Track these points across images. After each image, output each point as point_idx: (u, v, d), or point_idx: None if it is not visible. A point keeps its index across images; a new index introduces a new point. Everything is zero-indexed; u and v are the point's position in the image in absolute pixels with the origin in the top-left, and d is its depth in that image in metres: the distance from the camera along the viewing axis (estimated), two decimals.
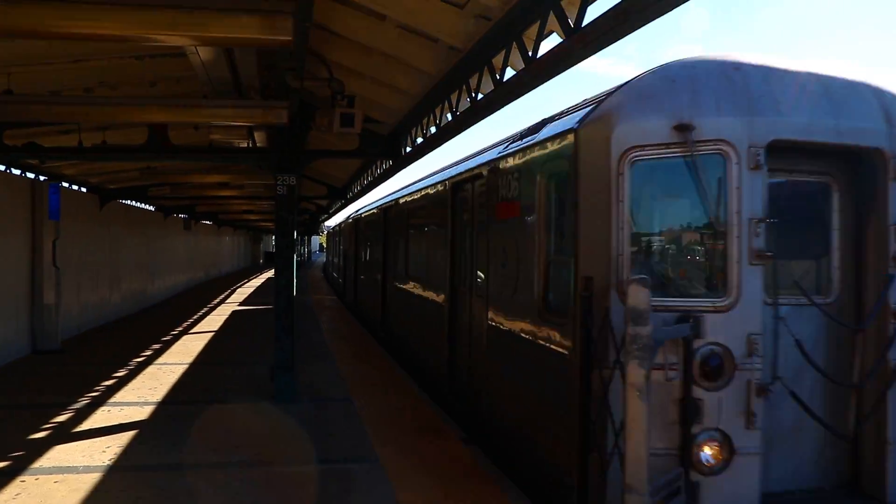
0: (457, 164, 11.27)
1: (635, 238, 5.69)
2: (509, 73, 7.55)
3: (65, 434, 8.84)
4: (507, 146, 8.17)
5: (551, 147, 6.59)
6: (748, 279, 5.45)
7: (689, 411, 5.37)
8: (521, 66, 7.07)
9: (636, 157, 5.56)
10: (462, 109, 9.34)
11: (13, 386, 11.65)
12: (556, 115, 7.30)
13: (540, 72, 6.72)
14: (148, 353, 15.12)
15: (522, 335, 7.14)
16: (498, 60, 7.66)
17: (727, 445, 5.42)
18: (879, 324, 5.73)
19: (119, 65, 9.64)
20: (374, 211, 19.47)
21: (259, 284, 40.50)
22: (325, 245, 69.20)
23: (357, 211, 25.64)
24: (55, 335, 15.06)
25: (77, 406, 10.22)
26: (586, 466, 5.62)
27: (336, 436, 8.81)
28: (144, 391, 11.28)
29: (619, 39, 5.51)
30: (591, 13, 5.63)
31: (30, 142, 11.49)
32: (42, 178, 15.34)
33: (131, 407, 10.21)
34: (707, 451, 5.41)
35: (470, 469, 7.58)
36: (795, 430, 5.73)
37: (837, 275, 5.94)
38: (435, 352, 11.15)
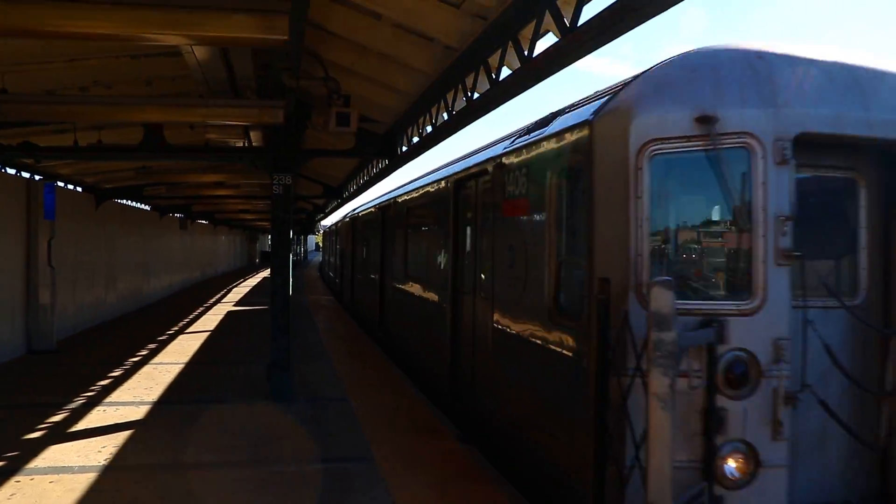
0: (458, 160, 10.96)
1: (655, 237, 5.38)
2: (505, 72, 7.55)
3: (60, 434, 8.82)
4: (513, 141, 7.85)
5: (563, 141, 6.25)
6: (774, 280, 5.16)
7: (713, 421, 5.07)
8: (517, 65, 7.08)
9: (656, 150, 5.26)
10: (458, 109, 9.34)
11: (8, 386, 11.62)
12: (567, 107, 6.94)
13: (535, 71, 6.73)
14: (144, 352, 15.10)
15: (531, 339, 6.81)
16: (494, 60, 7.66)
17: (752, 458, 5.13)
18: None
19: (114, 64, 9.62)
20: (372, 210, 19.17)
21: (255, 284, 40.46)
22: (321, 244, 69.11)
23: (354, 210, 25.47)
24: (50, 335, 15.02)
25: (72, 406, 10.20)
26: (603, 480, 5.24)
27: (332, 435, 8.81)
28: (140, 391, 11.26)
29: (614, 39, 5.52)
30: (587, 13, 5.63)
31: (25, 141, 11.46)
32: (37, 177, 15.29)
33: (127, 407, 10.20)
34: (731, 464, 5.13)
35: (466, 469, 7.58)
36: (820, 440, 5.45)
37: (865, 275, 5.65)
38: (436, 354, 10.82)
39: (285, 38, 6.40)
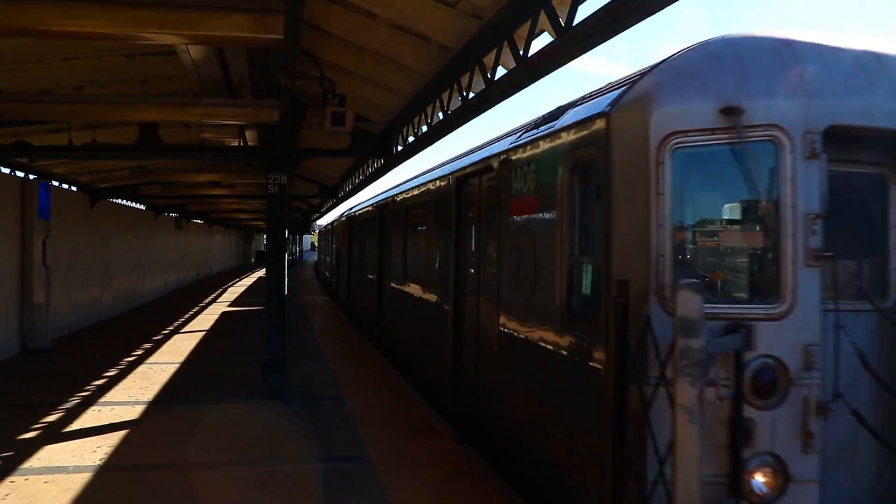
0: (460, 157, 10.62)
1: (677, 236, 5.06)
2: (500, 71, 7.56)
3: (55, 434, 8.80)
4: (519, 136, 7.51)
5: (577, 134, 5.89)
6: (804, 283, 4.84)
7: (740, 433, 4.75)
8: (513, 65, 7.08)
9: (678, 143, 4.93)
10: (453, 108, 9.34)
11: (2, 385, 11.59)
12: (578, 100, 6.59)
13: (531, 71, 6.73)
14: (139, 352, 15.07)
15: (541, 343, 6.49)
16: (489, 59, 7.67)
17: (782, 472, 4.83)
18: None
19: (109, 63, 9.59)
20: (370, 208, 18.85)
21: (250, 283, 40.43)
22: (316, 244, 69.05)
23: (351, 209, 25.25)
24: (45, 334, 14.99)
25: (67, 406, 10.18)
26: (623, 497, 4.91)
27: (328, 435, 8.80)
28: (135, 391, 11.25)
29: (609, 38, 5.53)
30: (582, 12, 5.64)
31: (19, 140, 11.44)
32: (32, 176, 15.26)
33: (122, 406, 10.18)
34: (759, 479, 4.82)
35: (463, 469, 7.59)
36: (850, 451, 5.11)
37: (894, 276, 5.31)
38: (437, 356, 10.52)
39: (280, 37, 6.39)
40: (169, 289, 30.75)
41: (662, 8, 4.90)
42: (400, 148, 12.74)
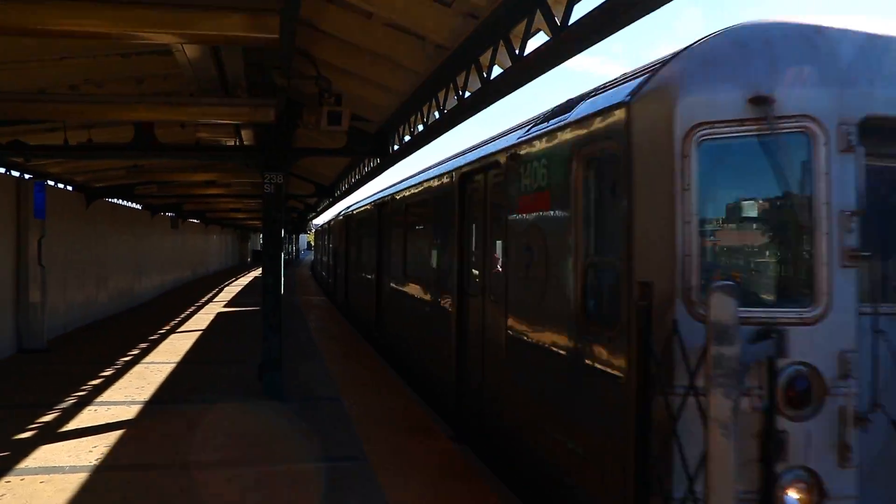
0: (462, 154, 10.26)
1: (705, 234, 4.75)
2: (496, 71, 7.56)
3: (51, 434, 8.79)
4: (528, 130, 7.18)
5: (593, 126, 5.57)
6: (839, 284, 4.55)
7: (772, 446, 4.43)
8: (508, 64, 7.09)
9: (704, 135, 4.65)
10: (449, 108, 9.35)
11: None
12: (591, 91, 6.27)
13: (527, 70, 6.74)
14: (135, 352, 15.06)
15: (554, 349, 6.16)
16: (485, 59, 7.67)
17: (817, 487, 4.51)
18: None
19: (105, 62, 9.58)
20: (368, 207, 18.46)
21: (247, 283, 40.39)
22: (312, 243, 69.02)
23: (348, 207, 25.04)
24: (41, 334, 14.97)
25: (63, 405, 10.17)
26: None
27: (325, 435, 8.80)
28: (131, 390, 11.23)
29: (605, 38, 5.53)
30: (578, 11, 5.64)
31: (14, 140, 11.41)
32: (27, 176, 15.23)
33: (118, 406, 10.17)
34: (793, 495, 4.51)
35: (460, 469, 7.59)
36: (889, 465, 4.76)
37: None
38: (439, 360, 10.18)
39: (276, 36, 6.40)
40: (165, 288, 30.71)
41: (657, 7, 4.91)
42: (396, 147, 12.74)
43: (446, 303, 9.86)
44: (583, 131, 5.75)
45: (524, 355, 6.91)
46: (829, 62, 4.71)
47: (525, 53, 6.67)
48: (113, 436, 8.69)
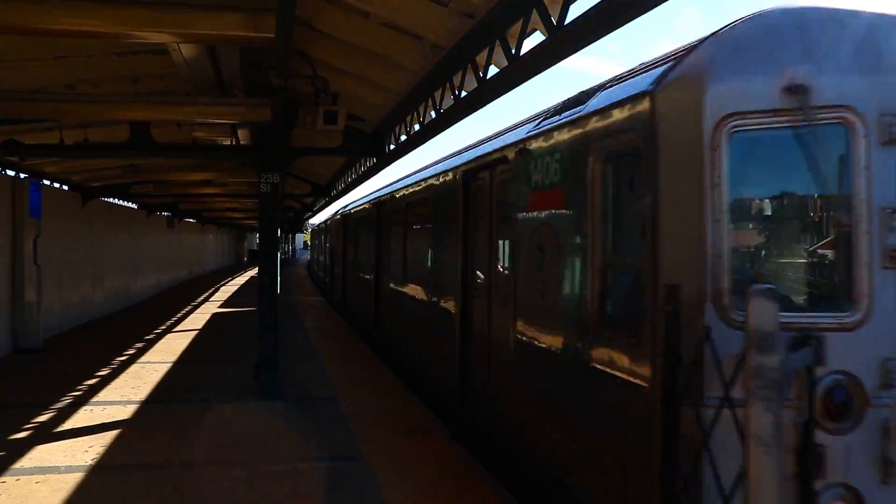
0: (466, 150, 9.86)
1: (737, 232, 4.45)
2: (493, 70, 7.57)
3: (46, 434, 8.77)
4: (538, 124, 6.79)
5: (613, 118, 5.21)
6: (881, 287, 4.24)
7: (809, 462, 4.08)
8: (505, 63, 7.10)
9: (735, 126, 4.34)
10: (446, 107, 9.35)
11: None
12: (607, 82, 5.90)
13: (523, 70, 6.75)
14: (131, 351, 15.03)
15: (567, 354, 5.80)
16: (481, 58, 7.68)
17: None
18: None
19: (101, 62, 9.57)
20: (366, 206, 18.05)
21: (243, 283, 40.36)
22: (309, 243, 68.96)
23: (345, 206, 24.83)
24: (36, 333, 14.93)
25: (59, 405, 10.15)
26: None
27: (322, 434, 8.79)
28: (127, 390, 11.22)
29: (601, 37, 5.54)
30: (574, 11, 5.65)
31: (10, 139, 11.39)
32: (23, 175, 15.20)
33: (114, 406, 10.15)
34: None
35: (456, 467, 7.60)
36: None
37: None
38: (441, 363, 9.83)
39: (272, 36, 6.40)
40: (161, 288, 30.67)
41: (653, 7, 4.92)
42: (392, 147, 12.75)
43: (449, 304, 9.51)
44: (601, 123, 5.38)
45: (534, 360, 6.55)
46: (869, 48, 4.41)
47: (521, 53, 6.68)
48: (109, 435, 8.67)
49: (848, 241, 4.31)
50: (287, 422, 9.33)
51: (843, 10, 4.57)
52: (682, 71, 4.64)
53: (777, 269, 4.64)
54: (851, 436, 4.21)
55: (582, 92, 6.30)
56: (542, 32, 6.29)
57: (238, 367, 12.82)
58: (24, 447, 8.19)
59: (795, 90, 4.30)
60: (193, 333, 18.18)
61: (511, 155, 7.20)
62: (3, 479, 7.19)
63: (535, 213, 6.55)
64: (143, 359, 14.17)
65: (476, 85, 8.03)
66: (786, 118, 4.33)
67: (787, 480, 3.93)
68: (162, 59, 8.79)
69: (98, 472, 7.39)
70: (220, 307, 25.51)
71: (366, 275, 17.65)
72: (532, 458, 6.56)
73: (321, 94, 9.25)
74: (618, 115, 5.15)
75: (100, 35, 6.63)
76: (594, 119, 5.48)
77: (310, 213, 40.78)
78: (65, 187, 18.39)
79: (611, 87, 5.65)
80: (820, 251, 4.59)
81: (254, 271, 47.47)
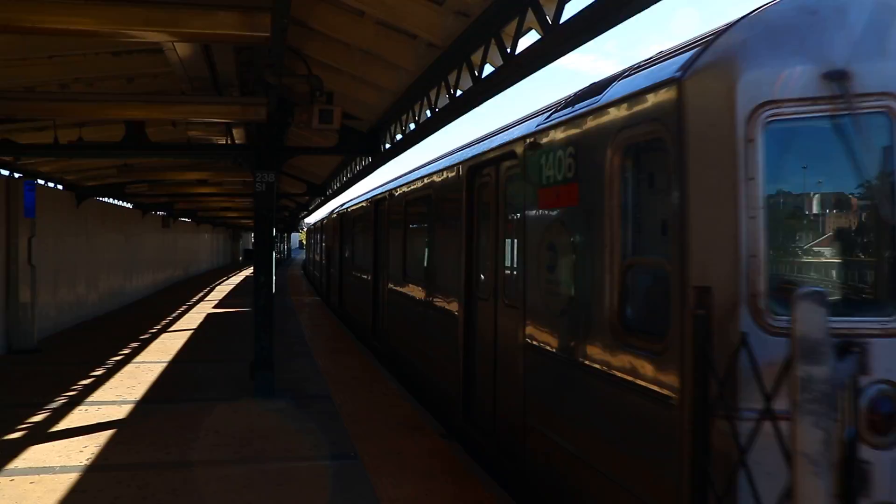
0: (470, 145, 9.46)
1: (774, 231, 4.12)
2: (488, 69, 7.57)
3: (41, 434, 8.75)
4: (549, 116, 6.46)
5: (634, 108, 4.88)
6: None
7: (854, 479, 3.67)
8: (500, 62, 7.09)
9: (771, 116, 4.04)
10: (441, 106, 9.35)
11: None
12: (625, 71, 5.56)
13: (518, 68, 6.74)
14: (126, 351, 15.00)
15: (583, 361, 5.43)
16: (476, 57, 7.68)
17: None
18: None
19: (95, 61, 9.55)
20: (364, 204, 17.60)
21: (238, 282, 40.29)
22: (304, 242, 68.92)
23: (342, 205, 24.51)
24: (31, 334, 14.89)
25: (53, 405, 10.12)
26: None
27: (316, 433, 8.78)
28: (122, 390, 11.19)
29: (596, 36, 5.53)
30: (569, 10, 5.65)
31: (4, 138, 11.36)
32: (17, 175, 15.16)
33: (109, 406, 10.13)
34: None
35: (450, 465, 7.59)
36: None
37: None
38: (444, 368, 9.48)
39: (267, 35, 6.38)
40: (156, 288, 30.62)
41: (648, 6, 4.92)
42: (388, 146, 12.74)
43: (452, 306, 9.12)
44: (620, 114, 5.05)
45: (545, 366, 6.21)
46: None
47: (517, 52, 6.68)
48: (104, 435, 8.65)
49: (893, 238, 4.04)
50: (282, 421, 9.32)
51: None
52: (712, 56, 4.31)
53: (816, 269, 4.38)
54: None
55: (594, 83, 5.98)
56: (537, 31, 6.29)
57: (233, 367, 12.80)
58: (18, 448, 8.16)
59: (835, 76, 4.03)
60: (189, 333, 18.14)
61: (520, 149, 6.88)
62: None
63: (546, 211, 6.24)
64: (138, 358, 14.14)
65: (471, 84, 8.03)
66: (825, 107, 4.04)
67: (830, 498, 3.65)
68: (157, 58, 8.79)
69: (93, 473, 7.37)
70: (215, 307, 25.46)
71: (364, 275, 17.28)
72: (543, 472, 6.24)
73: (316, 93, 9.23)
74: (640, 105, 4.81)
75: (93, 34, 6.62)
76: (613, 110, 5.16)
77: (305, 213, 40.75)
78: (59, 187, 18.36)
79: (629, 76, 5.32)
80: (862, 250, 4.32)
81: (249, 271, 47.42)
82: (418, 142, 11.12)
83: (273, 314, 11.07)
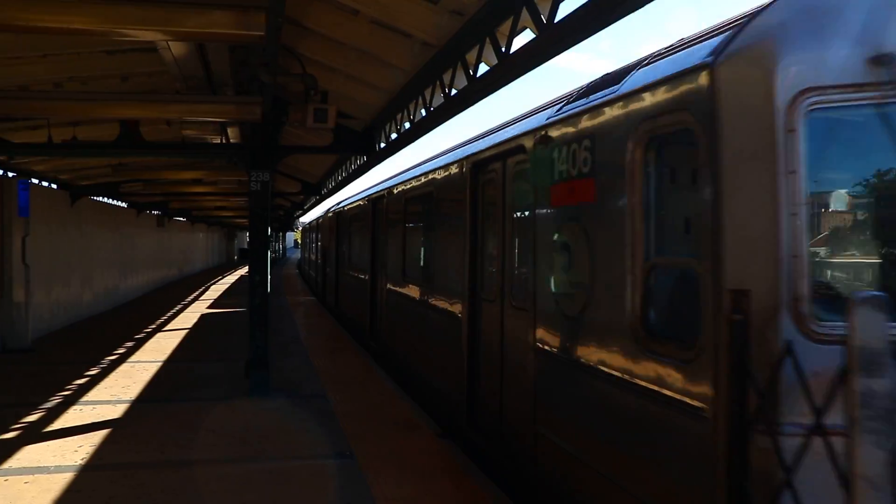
0: (473, 140, 9.09)
1: (816, 229, 3.85)
2: (483, 68, 7.57)
3: (35, 434, 8.73)
4: (560, 108, 6.13)
5: (659, 97, 4.55)
6: None
7: None
8: (495, 61, 7.10)
9: (814, 103, 3.73)
10: (436, 105, 9.35)
11: None
12: (644, 59, 5.22)
13: (513, 67, 6.75)
14: (121, 350, 14.97)
15: (601, 368, 5.08)
16: (471, 56, 7.68)
17: None
18: None
19: (89, 59, 9.53)
20: (361, 202, 17.23)
21: (233, 281, 40.24)
22: (299, 241, 68.83)
23: (339, 203, 24.18)
24: (25, 334, 14.85)
25: (48, 405, 10.10)
26: None
27: (312, 432, 8.78)
28: (117, 389, 11.17)
29: (591, 35, 5.55)
30: (564, 9, 5.65)
31: None
32: (11, 174, 15.12)
33: (104, 405, 10.11)
34: None
35: (445, 464, 7.60)
36: None
37: None
38: (446, 372, 9.15)
39: (262, 34, 6.38)
40: (151, 287, 30.56)
41: (643, 5, 4.92)
42: (383, 145, 12.73)
43: (455, 308, 8.79)
44: (643, 104, 4.72)
45: (558, 372, 5.88)
46: None
47: (511, 51, 6.68)
48: (99, 435, 8.64)
49: None
50: (277, 420, 9.32)
51: None
52: (747, 39, 3.98)
53: (864, 270, 4.07)
54: None
55: (608, 74, 5.73)
56: (532, 30, 6.29)
57: (228, 366, 12.79)
58: (12, 447, 8.14)
59: (883, 61, 3.73)
60: (184, 332, 18.11)
61: (529, 143, 6.55)
62: None
63: (559, 208, 5.90)
64: (133, 358, 14.11)
65: (466, 83, 8.03)
66: (872, 94, 3.74)
67: None
68: (151, 57, 8.76)
69: (87, 473, 7.36)
70: (210, 307, 25.43)
71: (361, 275, 16.96)
72: (553, 481, 5.93)
73: (311, 92, 9.23)
74: (666, 93, 4.47)
75: (87, 33, 6.59)
76: (634, 99, 4.83)
77: (300, 212, 40.72)
78: (53, 186, 18.30)
79: (649, 64, 5.00)
80: None
81: (244, 270, 47.37)
82: (414, 140, 11.13)
83: (268, 313, 11.06)
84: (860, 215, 4.05)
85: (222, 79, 9.23)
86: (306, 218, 46.48)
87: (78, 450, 8.07)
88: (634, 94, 4.83)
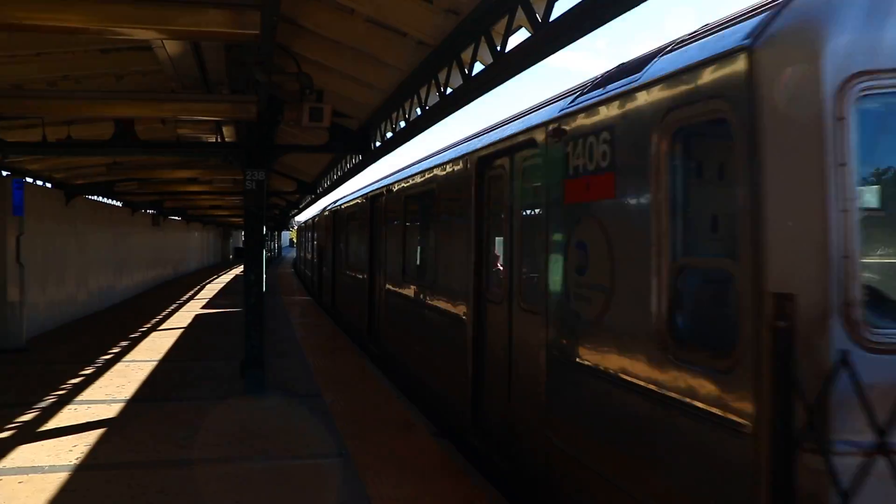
0: (478, 135, 8.69)
1: (870, 227, 3.49)
2: (478, 67, 7.57)
3: (29, 433, 8.70)
4: (574, 99, 5.79)
5: (690, 84, 4.17)
6: None
7: None
8: (490, 60, 7.10)
9: (866, 89, 3.40)
10: (431, 104, 9.34)
11: None
12: (667, 46, 4.86)
13: (508, 66, 6.74)
14: (116, 350, 14.94)
15: (623, 377, 4.73)
16: (466, 55, 7.68)
17: None
18: None
19: (84, 58, 9.50)
20: (359, 200, 16.85)
21: (228, 280, 40.18)
22: (295, 240, 68.75)
23: (336, 202, 23.98)
24: (20, 333, 14.80)
25: (42, 405, 10.07)
26: None
27: (307, 432, 8.78)
28: (112, 388, 11.15)
29: (586, 34, 5.53)
30: (559, 8, 5.66)
31: None
32: (5, 173, 15.06)
33: (99, 405, 10.09)
34: None
35: (442, 463, 7.60)
36: None
37: None
38: (449, 376, 8.85)
39: (257, 32, 6.36)
40: (146, 286, 30.50)
41: (638, 4, 4.91)
42: (378, 143, 12.72)
43: (459, 309, 8.49)
44: (670, 92, 4.36)
45: (572, 380, 5.56)
46: None
47: (507, 50, 6.68)
48: (93, 435, 8.62)
49: None
50: (273, 419, 9.31)
51: None
52: (790, 19, 3.63)
53: None
54: None
55: (625, 63, 5.42)
56: (527, 29, 6.29)
57: (224, 365, 12.78)
58: (6, 447, 8.12)
59: None
60: (179, 332, 18.08)
61: (541, 137, 6.17)
62: None
63: (574, 205, 5.56)
64: (128, 357, 14.08)
65: (462, 82, 8.03)
66: None
67: None
68: (146, 55, 8.74)
69: (82, 472, 7.34)
70: (205, 306, 25.38)
71: (359, 275, 16.54)
72: (568, 493, 5.62)
73: (306, 90, 9.22)
74: (696, 80, 4.12)
75: (81, 31, 6.55)
76: (659, 88, 4.47)
77: (296, 211, 40.66)
78: (48, 185, 18.24)
79: (673, 51, 4.67)
80: None
81: (239, 269, 47.31)
82: (409, 139, 11.11)
83: (264, 312, 11.06)
84: None
85: (217, 77, 9.22)
86: (302, 217, 46.43)
87: (73, 449, 8.05)
88: (659, 82, 4.49)
